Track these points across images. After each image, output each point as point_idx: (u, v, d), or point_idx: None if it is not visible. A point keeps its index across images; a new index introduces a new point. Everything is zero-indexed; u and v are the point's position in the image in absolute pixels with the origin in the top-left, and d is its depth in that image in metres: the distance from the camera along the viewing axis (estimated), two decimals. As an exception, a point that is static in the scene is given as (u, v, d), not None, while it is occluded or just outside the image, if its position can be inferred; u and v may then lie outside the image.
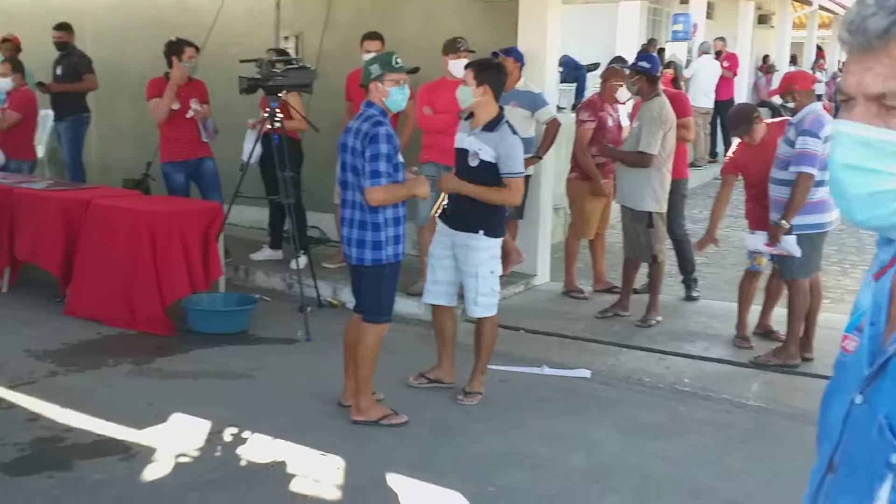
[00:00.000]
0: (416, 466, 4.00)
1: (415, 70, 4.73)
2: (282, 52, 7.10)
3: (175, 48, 6.73)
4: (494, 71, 4.62)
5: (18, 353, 5.33)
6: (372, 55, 5.84)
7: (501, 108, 4.66)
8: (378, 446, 4.22)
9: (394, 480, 3.89)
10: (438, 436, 4.36)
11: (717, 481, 3.92)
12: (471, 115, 4.64)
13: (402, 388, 4.91)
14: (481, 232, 4.58)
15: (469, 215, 4.61)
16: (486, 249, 4.62)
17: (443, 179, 4.70)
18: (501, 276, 6.52)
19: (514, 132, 4.60)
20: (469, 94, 4.54)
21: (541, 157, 6.59)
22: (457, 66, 5.85)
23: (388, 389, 4.72)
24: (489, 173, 4.53)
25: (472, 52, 6.19)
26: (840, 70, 18.67)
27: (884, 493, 1.02)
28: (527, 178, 6.60)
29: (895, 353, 1.04)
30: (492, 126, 4.55)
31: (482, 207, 4.58)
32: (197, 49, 6.91)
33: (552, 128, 6.50)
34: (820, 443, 1.21)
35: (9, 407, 4.57)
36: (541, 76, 6.78)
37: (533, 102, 6.42)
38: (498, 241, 4.69)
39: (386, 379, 4.78)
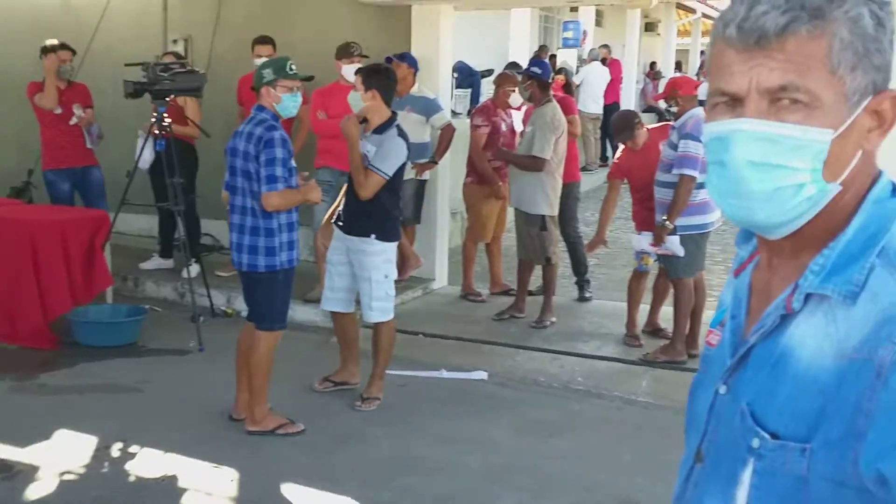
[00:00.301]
0: (313, 475, 3.96)
1: (309, 78, 4.71)
2: (179, 56, 6.92)
3: (49, 52, 6.52)
4: (382, 76, 4.64)
5: None
6: (264, 60, 5.79)
7: (394, 113, 4.68)
8: (273, 456, 4.15)
9: (289, 490, 3.84)
10: (335, 443, 4.32)
11: (610, 476, 4.03)
12: (365, 120, 4.65)
13: (300, 395, 4.85)
14: (373, 236, 4.59)
15: (361, 220, 4.61)
16: (379, 253, 4.62)
17: (343, 121, 4.64)
18: (400, 281, 6.56)
19: (403, 136, 4.62)
20: (359, 99, 4.55)
21: (437, 162, 6.64)
22: (350, 71, 5.82)
23: (285, 397, 4.65)
24: None
25: (366, 57, 6.18)
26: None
27: (746, 476, 1.05)
28: (423, 182, 6.68)
29: (756, 343, 1.08)
30: (381, 129, 4.58)
31: (374, 212, 4.59)
32: (73, 52, 6.69)
33: (447, 133, 6.55)
34: (688, 434, 1.24)
35: None
36: (435, 82, 6.83)
37: (427, 108, 6.46)
38: (391, 246, 4.70)
39: (283, 387, 4.71)
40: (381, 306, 4.68)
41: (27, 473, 3.89)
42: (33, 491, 3.76)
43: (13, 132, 8.73)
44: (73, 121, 6.61)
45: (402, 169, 4.63)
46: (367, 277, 4.64)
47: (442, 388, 5.11)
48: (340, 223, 4.72)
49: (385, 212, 4.62)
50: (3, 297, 5.60)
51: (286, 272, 4.27)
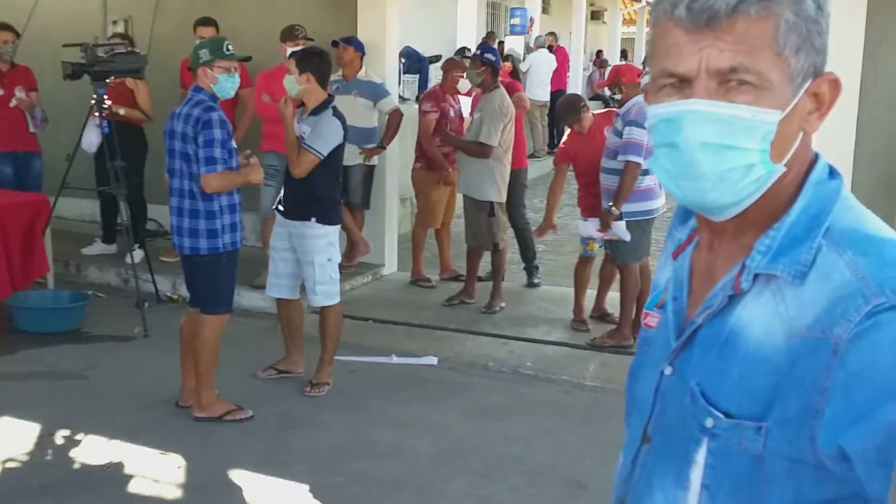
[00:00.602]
0: (262, 461, 3.94)
1: (247, 59, 4.66)
2: (126, 37, 6.75)
3: None
4: (316, 59, 4.62)
5: None
6: (203, 40, 5.70)
7: (331, 96, 4.68)
8: (222, 442, 4.12)
9: (238, 476, 3.81)
10: (285, 429, 4.30)
11: (559, 458, 4.08)
12: (303, 103, 4.63)
13: (248, 381, 4.81)
14: (313, 219, 4.57)
15: (301, 204, 4.60)
16: (320, 237, 4.61)
17: (279, 103, 4.64)
18: (349, 267, 6.55)
19: (339, 117, 4.61)
20: (294, 83, 4.54)
21: (384, 148, 6.61)
22: (296, 55, 5.77)
23: (233, 383, 4.61)
24: None
25: (311, 40, 6.12)
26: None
27: (700, 456, 1.06)
28: (371, 168, 6.65)
29: (703, 323, 1.08)
30: (317, 111, 4.57)
31: (313, 195, 4.57)
32: (16, 33, 6.50)
33: (395, 118, 6.53)
34: (629, 417, 1.25)
35: None
36: (382, 66, 6.79)
37: (375, 92, 6.43)
38: (333, 229, 4.68)
39: (231, 373, 4.67)
40: (326, 290, 4.67)
41: (-33, 462, 3.80)
42: (-26, 480, 3.68)
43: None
44: (13, 103, 6.43)
45: (338, 150, 4.62)
46: (310, 261, 4.62)
47: (392, 373, 5.12)
48: (281, 208, 4.70)
49: (324, 194, 4.61)
50: (-61, 283, 5.44)
51: (229, 254, 4.23)
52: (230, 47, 4.22)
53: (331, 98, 4.66)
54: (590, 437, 4.28)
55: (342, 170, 6.24)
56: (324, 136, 4.51)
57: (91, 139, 5.97)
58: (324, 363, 4.78)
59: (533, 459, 4.07)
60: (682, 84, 1.02)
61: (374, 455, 4.06)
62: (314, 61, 4.58)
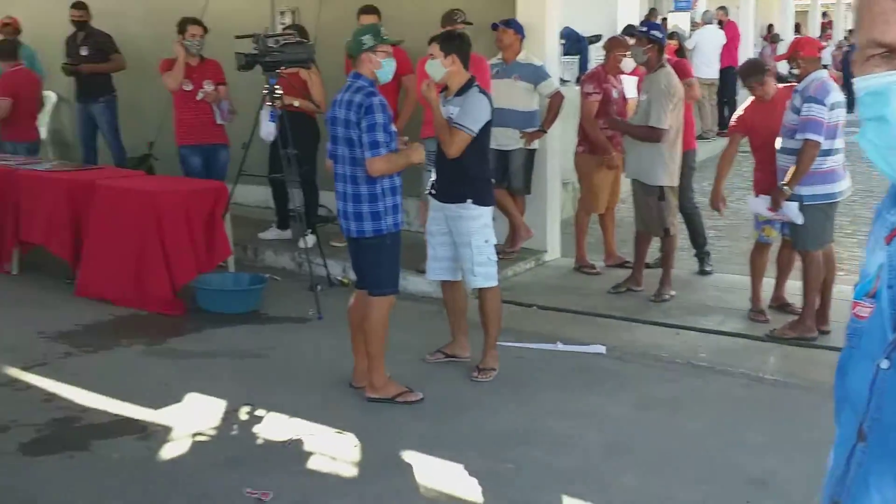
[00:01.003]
0: (433, 443, 3.99)
1: (398, 42, 4.70)
2: (299, 28, 6.98)
3: (180, 26, 6.75)
4: (458, 40, 4.65)
5: (31, 334, 5.33)
6: (363, 28, 5.81)
7: (472, 77, 4.67)
8: (394, 423, 4.20)
9: (410, 457, 3.88)
10: (454, 412, 4.34)
11: (739, 455, 3.89)
12: (446, 87, 4.66)
13: (416, 364, 4.89)
14: (469, 201, 4.58)
15: (455, 186, 4.61)
16: (476, 218, 4.61)
17: (422, 87, 4.69)
18: (511, 253, 6.53)
19: (485, 94, 4.61)
20: (439, 67, 4.56)
21: (545, 131, 6.54)
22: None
23: (401, 366, 4.69)
24: None
25: (470, 24, 6.12)
26: (847, 38, 18.54)
27: None
28: (532, 152, 6.60)
29: None
30: (462, 91, 4.58)
31: (466, 176, 4.58)
32: (204, 28, 6.82)
33: (556, 101, 6.44)
34: (840, 413, 1.17)
35: (24, 388, 4.58)
36: (541, 48, 6.69)
37: (535, 75, 6.37)
38: (488, 210, 4.68)
39: (399, 356, 4.75)
40: (485, 272, 4.66)
41: (160, 434, 4.05)
42: (167, 451, 3.91)
43: (127, 105, 8.96)
44: (200, 96, 6.76)
45: (487, 127, 4.60)
46: (467, 243, 4.63)
47: (558, 361, 5.06)
48: (434, 192, 4.72)
49: (477, 174, 4.62)
50: (133, 265, 5.83)
51: (393, 236, 4.32)
52: (385, 32, 4.34)
53: (473, 78, 4.66)
54: (771, 434, 4.08)
55: (502, 154, 6.28)
56: (472, 114, 4.51)
57: (270, 128, 6.21)
58: (488, 348, 4.78)
59: (711, 455, 3.91)
60: (892, 54, 0.96)
61: (544, 443, 4.03)
62: (456, 42, 4.62)
